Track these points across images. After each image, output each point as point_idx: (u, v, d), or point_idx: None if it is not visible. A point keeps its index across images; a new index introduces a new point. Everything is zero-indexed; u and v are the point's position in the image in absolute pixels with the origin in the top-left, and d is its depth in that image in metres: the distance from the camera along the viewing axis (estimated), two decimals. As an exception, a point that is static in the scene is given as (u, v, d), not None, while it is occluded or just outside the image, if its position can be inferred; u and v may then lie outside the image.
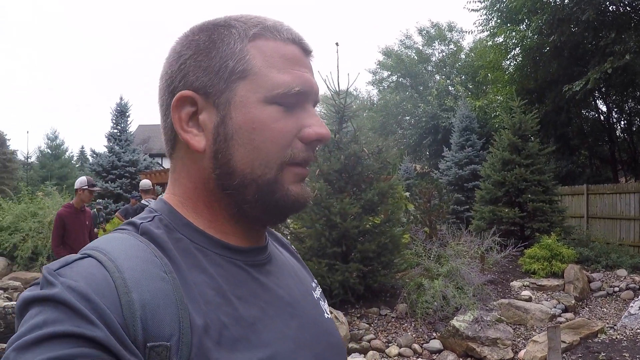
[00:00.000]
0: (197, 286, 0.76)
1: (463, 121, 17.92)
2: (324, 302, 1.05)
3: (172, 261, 0.76)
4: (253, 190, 0.82)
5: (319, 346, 0.89)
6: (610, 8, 17.84)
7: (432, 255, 8.64)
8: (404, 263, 8.83)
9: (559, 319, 8.19)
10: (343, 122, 8.93)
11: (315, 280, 1.09)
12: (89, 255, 0.71)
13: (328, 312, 1.01)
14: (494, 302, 8.10)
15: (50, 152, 39.34)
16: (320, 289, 1.07)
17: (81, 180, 7.02)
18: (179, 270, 0.75)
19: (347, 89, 8.91)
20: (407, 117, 29.15)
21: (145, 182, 9.56)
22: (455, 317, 7.09)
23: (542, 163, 12.59)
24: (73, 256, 0.72)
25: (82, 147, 23.23)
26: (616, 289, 9.96)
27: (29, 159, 36.15)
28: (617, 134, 23.80)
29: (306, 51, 0.88)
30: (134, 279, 0.69)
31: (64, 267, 0.69)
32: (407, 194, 14.85)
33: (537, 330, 7.59)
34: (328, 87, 8.90)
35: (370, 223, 8.08)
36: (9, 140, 43.16)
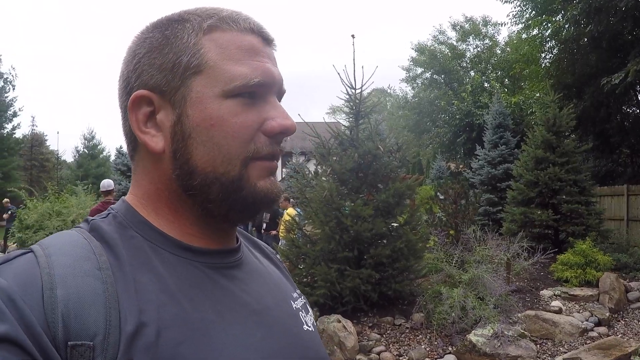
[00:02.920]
0: (140, 284, 0.73)
1: (496, 118, 17.24)
2: (307, 313, 1.00)
3: (117, 258, 0.75)
4: (217, 189, 0.81)
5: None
6: None
7: (454, 261, 8.06)
8: (423, 269, 8.29)
9: (590, 333, 7.52)
10: (359, 118, 8.46)
11: (299, 292, 1.06)
12: (32, 250, 0.72)
13: (310, 325, 0.97)
14: (519, 314, 7.48)
15: (87, 152, 40.21)
16: (304, 300, 1.04)
17: (110, 183, 7.41)
18: (121, 268, 0.74)
19: (363, 83, 8.43)
20: (442, 115, 28.54)
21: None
22: (473, 331, 6.55)
23: (578, 161, 11.87)
24: (19, 251, 0.73)
25: (120, 147, 23.89)
26: (656, 300, 9.17)
27: (60, 159, 36.92)
28: (661, 131, 22.75)
29: (267, 40, 0.86)
30: (62, 275, 0.69)
31: (4, 263, 0.70)
32: (439, 194, 14.31)
33: (565, 346, 6.96)
34: (343, 81, 8.42)
35: (385, 227, 7.54)
36: (47, 139, 44.17)
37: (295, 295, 1.02)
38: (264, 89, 0.82)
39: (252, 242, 1.09)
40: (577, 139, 13.10)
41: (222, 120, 0.79)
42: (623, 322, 8.34)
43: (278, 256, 1.15)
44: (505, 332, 6.40)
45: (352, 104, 8.47)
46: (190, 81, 0.79)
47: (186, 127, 0.79)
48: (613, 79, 14.95)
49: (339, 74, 8.36)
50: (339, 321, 6.53)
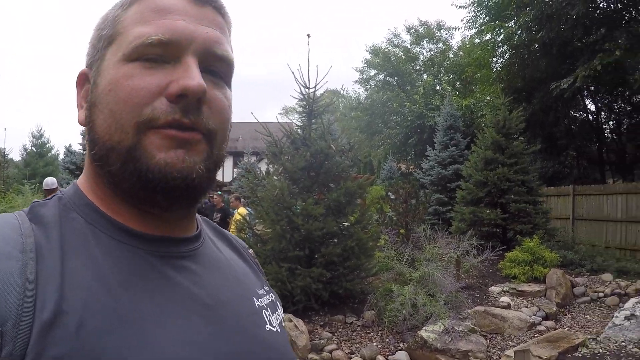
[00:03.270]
0: (70, 269, 0.68)
1: (447, 120, 17.51)
2: (273, 312, 0.94)
3: (48, 241, 0.70)
4: (114, 160, 0.73)
5: None
6: (601, 4, 17.54)
7: (404, 259, 8.12)
8: (374, 267, 8.32)
9: (538, 327, 7.70)
10: (312, 117, 8.44)
11: (267, 288, 1.00)
12: None
13: (276, 325, 0.91)
14: (469, 310, 7.59)
15: (35, 150, 39.22)
16: (273, 298, 0.99)
17: (53, 181, 7.30)
18: (51, 251, 0.68)
19: (317, 83, 8.42)
20: (393, 116, 28.87)
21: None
22: (424, 327, 6.61)
23: (526, 163, 12.16)
24: None
25: (70, 145, 23.32)
26: (601, 294, 9.47)
27: (6, 157, 35.85)
28: (606, 135, 23.67)
29: (199, 2, 0.78)
30: None
31: None
32: (390, 194, 14.43)
33: (514, 340, 7.11)
34: (297, 80, 8.39)
35: (336, 226, 7.54)
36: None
37: (261, 292, 0.96)
38: (174, 49, 0.74)
39: (220, 234, 1.02)
40: (525, 141, 13.40)
41: (117, 85, 0.73)
42: (570, 316, 8.60)
43: (251, 251, 1.10)
44: (456, 328, 6.48)
45: (305, 103, 8.44)
46: (105, 51, 0.77)
47: (94, 96, 0.77)
48: (562, 84, 15.40)
49: (293, 72, 8.31)
50: (290, 320, 6.49)
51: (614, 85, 20.50)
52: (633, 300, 7.83)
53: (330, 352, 6.39)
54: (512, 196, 11.53)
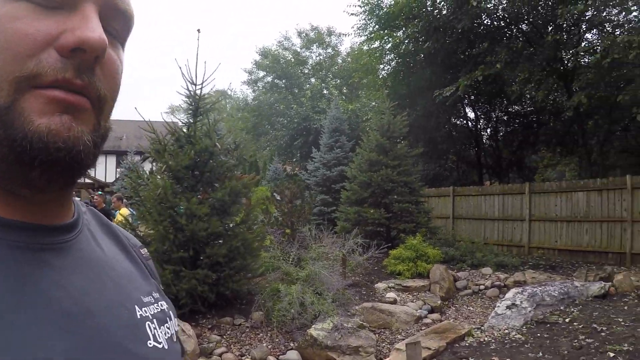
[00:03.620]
0: None
1: (333, 123, 17.74)
2: (161, 325, 0.76)
3: None
4: None
5: None
6: (485, 21, 18.55)
7: (290, 259, 8.07)
8: (260, 267, 8.20)
9: (425, 320, 7.98)
10: (198, 114, 8.18)
11: (158, 296, 0.81)
12: None
13: (162, 340, 0.74)
14: (357, 307, 7.69)
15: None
16: (164, 307, 0.81)
17: None
18: None
19: (204, 79, 8.17)
20: (280, 118, 28.92)
21: None
22: (313, 326, 6.58)
23: (409, 165, 12.56)
24: None
25: None
26: (482, 287, 10.04)
27: None
28: (484, 140, 25.19)
29: None
30: None
31: None
32: (275, 194, 14.36)
33: (402, 334, 7.29)
34: (184, 76, 8.09)
35: (221, 226, 7.34)
36: None
37: (148, 299, 0.78)
38: None
39: (106, 227, 0.84)
40: (408, 145, 13.85)
41: None
42: (454, 308, 9.01)
43: (144, 251, 0.91)
44: (345, 325, 6.50)
45: (191, 100, 8.17)
46: None
47: None
48: (445, 92, 16.13)
49: (180, 67, 8.01)
50: (177, 325, 6.21)
51: (493, 96, 21.82)
52: (513, 291, 8.29)
53: (220, 355, 6.23)
54: (396, 196, 11.86)
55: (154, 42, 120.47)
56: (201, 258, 7.22)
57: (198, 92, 8.14)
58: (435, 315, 8.29)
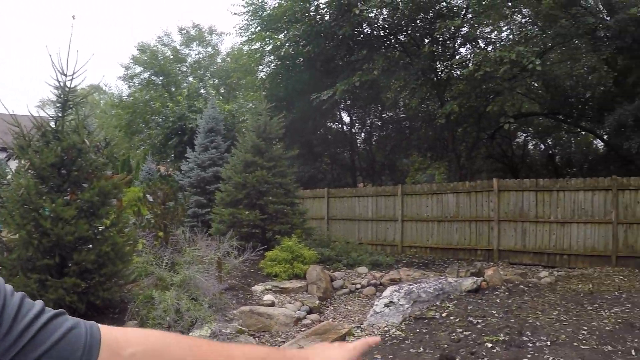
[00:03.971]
0: None
1: (209, 122, 17.36)
2: None
3: None
4: None
5: None
6: (365, 30, 19.04)
7: (164, 263, 7.78)
8: (132, 273, 7.83)
9: (304, 321, 7.99)
10: (67, 108, 7.62)
11: None
12: None
13: None
14: (234, 311, 7.55)
15: None
16: None
17: None
18: None
19: (75, 70, 7.60)
20: (155, 117, 27.92)
21: None
22: (190, 333, 6.38)
23: (284, 166, 12.56)
24: None
25: None
26: (358, 286, 10.25)
27: None
28: (358, 144, 26.00)
29: None
30: None
31: None
32: (148, 196, 13.83)
33: (282, 336, 7.25)
34: (54, 65, 7.49)
35: (89, 230, 6.91)
36: None
37: None
38: None
39: None
40: (285, 147, 13.92)
41: None
42: (332, 308, 9.12)
43: None
44: (223, 330, 6.39)
45: (60, 92, 7.55)
46: None
47: None
48: (322, 96, 16.42)
49: (50, 55, 7.41)
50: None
51: (369, 101, 22.54)
52: (390, 288, 8.56)
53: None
54: (271, 198, 11.81)
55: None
56: (69, 265, 6.76)
57: (68, 83, 7.58)
58: (314, 316, 8.33)
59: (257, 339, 7.08)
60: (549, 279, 10.48)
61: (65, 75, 7.53)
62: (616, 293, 8.65)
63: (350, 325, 7.47)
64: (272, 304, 8.34)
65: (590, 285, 9.38)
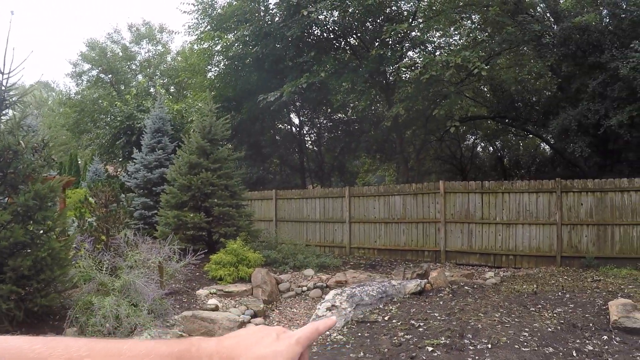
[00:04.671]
0: None
1: (156, 123, 17.01)
2: None
3: None
4: None
5: None
6: (315, 32, 19.05)
7: (104, 268, 7.58)
8: (72, 278, 7.60)
9: (248, 325, 7.87)
10: (4, 107, 7.37)
11: None
12: None
13: None
14: (176, 317, 7.44)
15: None
16: None
17: None
18: None
19: (12, 69, 7.36)
20: (103, 116, 27.27)
21: None
22: (130, 340, 6.19)
23: (230, 168, 12.43)
24: None
25: None
26: (304, 288, 10.28)
27: None
28: (307, 146, 26.04)
29: None
30: None
31: None
32: (91, 198, 13.46)
33: (226, 342, 7.12)
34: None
35: (26, 235, 6.66)
36: None
37: None
38: None
39: None
40: (233, 148, 13.81)
41: None
42: (277, 311, 9.09)
43: None
44: (163, 337, 6.25)
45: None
46: None
47: None
48: (269, 97, 16.38)
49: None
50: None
51: (318, 103, 22.57)
52: (332, 292, 8.51)
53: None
54: (216, 200, 11.68)
55: None
56: (4, 271, 6.51)
57: (4, 82, 7.33)
58: (259, 320, 8.31)
59: (200, 343, 6.98)
60: (494, 279, 10.71)
61: (2, 74, 7.28)
62: (560, 293, 8.87)
63: (295, 329, 7.42)
64: (216, 308, 8.26)
65: (535, 286, 9.60)
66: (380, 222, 14.59)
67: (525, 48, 17.19)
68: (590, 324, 6.94)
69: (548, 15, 17.28)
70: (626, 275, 10.41)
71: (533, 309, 7.79)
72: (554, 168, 22.48)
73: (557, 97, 17.62)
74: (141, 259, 8.00)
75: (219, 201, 11.59)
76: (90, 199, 9.85)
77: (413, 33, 16.93)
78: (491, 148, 28.35)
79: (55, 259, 6.86)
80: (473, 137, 27.85)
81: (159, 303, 7.26)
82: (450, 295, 9.02)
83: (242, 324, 7.80)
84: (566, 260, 11.87)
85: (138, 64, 34.34)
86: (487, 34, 17.33)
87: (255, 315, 8.48)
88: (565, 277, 10.50)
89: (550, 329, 6.70)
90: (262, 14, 18.13)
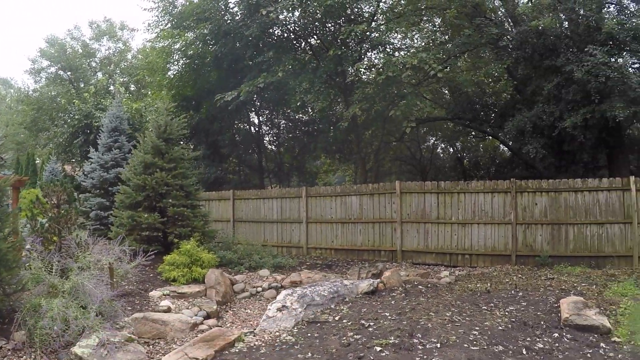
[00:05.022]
0: None
1: (113, 121, 16.70)
2: None
3: None
4: None
5: None
6: (276, 31, 19.04)
7: (54, 270, 7.45)
8: (21, 280, 7.45)
9: (201, 327, 7.89)
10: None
11: None
12: None
13: None
14: (127, 319, 7.37)
15: None
16: None
17: None
18: None
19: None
20: (62, 114, 26.70)
21: None
22: (78, 343, 6.19)
23: (185, 168, 12.31)
24: None
25: None
26: (259, 289, 10.30)
27: None
28: (267, 146, 25.99)
29: None
30: None
31: None
32: (43, 198, 13.17)
33: (178, 343, 7.10)
34: None
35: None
36: None
37: None
38: None
39: None
40: (191, 147, 13.72)
41: None
42: (231, 312, 9.05)
43: None
44: (112, 339, 6.22)
45: None
46: None
47: None
48: (226, 96, 16.34)
49: None
50: None
51: (277, 103, 22.56)
52: (284, 292, 8.58)
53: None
54: (171, 200, 11.56)
55: None
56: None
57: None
58: (212, 321, 8.25)
59: (151, 346, 6.95)
60: (448, 278, 10.89)
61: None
62: (513, 292, 9.07)
63: (240, 331, 7.39)
64: (168, 310, 8.21)
65: (489, 285, 9.79)
66: (337, 222, 14.73)
67: (483, 51, 17.47)
68: (542, 322, 7.13)
69: (504, 18, 17.59)
70: (579, 273, 10.74)
71: (485, 308, 7.96)
72: (512, 169, 22.89)
73: (513, 99, 17.98)
74: (92, 260, 7.89)
75: (173, 201, 11.49)
76: (42, 199, 9.66)
77: (375, 34, 17.05)
78: (451, 149, 28.73)
79: (2, 261, 6.73)
80: (433, 139, 28.17)
81: (109, 305, 7.18)
82: (403, 294, 9.13)
83: (195, 326, 7.77)
84: (521, 259, 12.19)
85: (98, 62, 33.84)
86: (447, 36, 17.56)
87: (208, 316, 8.44)
88: (520, 276, 10.75)
89: (501, 327, 6.85)
90: (222, 12, 18.05)
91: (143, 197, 11.44)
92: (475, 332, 6.61)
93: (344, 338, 6.70)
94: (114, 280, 8.24)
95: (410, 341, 6.33)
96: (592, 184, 11.79)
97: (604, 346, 6.21)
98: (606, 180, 11.82)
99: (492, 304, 8.18)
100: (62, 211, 9.08)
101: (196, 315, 8.28)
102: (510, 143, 20.51)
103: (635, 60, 14.30)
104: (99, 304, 6.96)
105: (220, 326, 8.06)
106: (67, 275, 7.48)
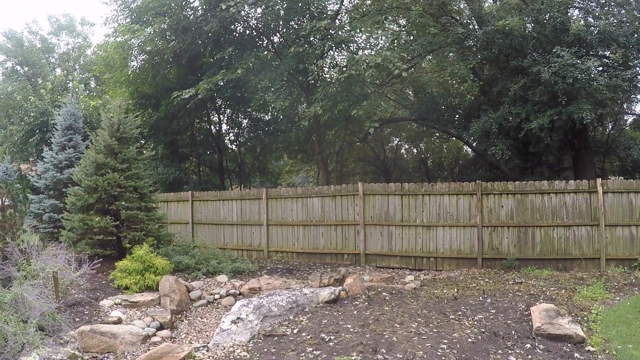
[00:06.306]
0: None
1: (67, 119, 16.03)
2: None
3: None
4: None
5: None
6: (238, 28, 18.64)
7: (-3, 279, 7.00)
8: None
9: (153, 338, 7.48)
10: None
11: None
12: None
13: None
14: (73, 332, 6.90)
15: None
16: None
17: None
18: None
19: None
20: (17, 111, 25.77)
21: None
22: (17, 361, 5.72)
23: (140, 168, 11.82)
24: None
25: None
26: (217, 296, 9.84)
27: None
28: (227, 145, 25.51)
29: None
30: None
31: None
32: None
33: (128, 357, 6.71)
34: None
35: None
36: None
37: None
38: None
39: None
40: (150, 147, 13.23)
41: None
42: (187, 322, 8.57)
43: None
44: (54, 357, 5.81)
45: None
46: None
47: None
48: (184, 94, 15.88)
49: None
50: None
51: (238, 102, 22.13)
52: (239, 303, 8.10)
53: None
54: (124, 202, 11.03)
55: None
56: None
57: None
58: (165, 332, 7.83)
59: (100, 361, 6.52)
60: (413, 284, 10.66)
61: None
62: (481, 298, 8.90)
63: (192, 346, 6.84)
64: (119, 321, 7.79)
65: (455, 290, 9.62)
66: (298, 224, 14.42)
67: (448, 50, 17.36)
68: (513, 332, 6.95)
69: (472, 19, 17.51)
70: (547, 276, 10.72)
71: (453, 317, 7.74)
72: (476, 170, 23.00)
73: (479, 100, 17.93)
74: (37, 269, 7.42)
75: (127, 204, 10.97)
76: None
77: (341, 32, 16.79)
78: (415, 150, 28.75)
79: None
80: (397, 139, 28.14)
81: (52, 318, 6.73)
82: (366, 303, 8.83)
83: (147, 338, 7.37)
84: (487, 262, 12.11)
85: (57, 57, 32.80)
86: (412, 37, 17.39)
87: (161, 327, 7.99)
88: (487, 280, 10.64)
89: (470, 339, 6.64)
90: (181, 7, 17.55)
91: (95, 199, 10.89)
92: (443, 346, 6.36)
93: (302, 354, 6.30)
94: (59, 290, 7.76)
95: (374, 357, 6.02)
96: (559, 186, 11.79)
97: (579, 356, 6.07)
98: (573, 183, 11.82)
99: (460, 312, 7.99)
100: (7, 215, 8.59)
101: (148, 326, 7.86)
102: (475, 144, 20.53)
103: (603, 62, 14.34)
104: (40, 318, 6.51)
105: (174, 337, 7.68)
106: (10, 285, 7.03)
